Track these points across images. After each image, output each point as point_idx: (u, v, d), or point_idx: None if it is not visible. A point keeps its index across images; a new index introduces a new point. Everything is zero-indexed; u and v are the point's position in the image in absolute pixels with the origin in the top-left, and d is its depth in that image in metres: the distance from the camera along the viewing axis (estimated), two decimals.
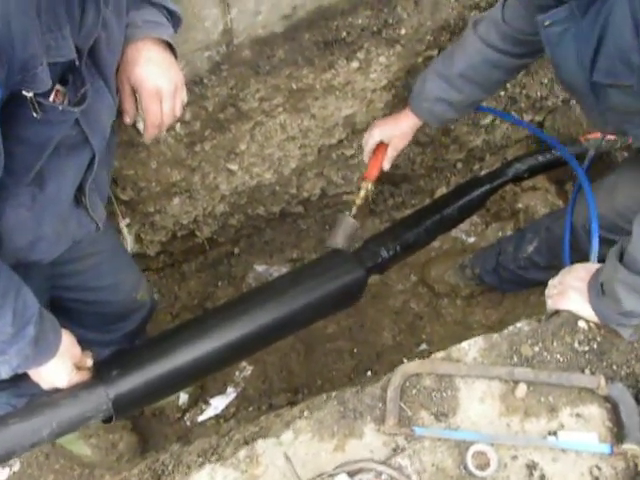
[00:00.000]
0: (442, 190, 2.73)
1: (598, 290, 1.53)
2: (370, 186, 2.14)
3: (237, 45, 1.84)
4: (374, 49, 2.06)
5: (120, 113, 1.48)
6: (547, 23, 1.47)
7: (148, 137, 1.52)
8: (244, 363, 2.43)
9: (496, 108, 2.50)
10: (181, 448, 1.74)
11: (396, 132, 2.04)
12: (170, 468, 1.55)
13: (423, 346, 2.47)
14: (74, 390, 1.49)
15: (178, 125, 1.94)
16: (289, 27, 1.89)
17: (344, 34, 1.97)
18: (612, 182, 1.91)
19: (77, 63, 1.16)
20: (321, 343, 2.50)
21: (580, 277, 1.60)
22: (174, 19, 1.48)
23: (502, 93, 2.49)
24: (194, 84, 1.87)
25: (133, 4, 1.39)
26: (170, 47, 1.46)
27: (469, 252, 2.61)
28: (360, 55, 2.06)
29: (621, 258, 1.48)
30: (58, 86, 1.15)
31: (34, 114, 1.10)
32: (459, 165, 2.73)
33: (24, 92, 1.06)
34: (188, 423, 2.33)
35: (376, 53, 2.08)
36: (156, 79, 1.42)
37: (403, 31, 2.05)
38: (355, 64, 2.07)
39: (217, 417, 2.34)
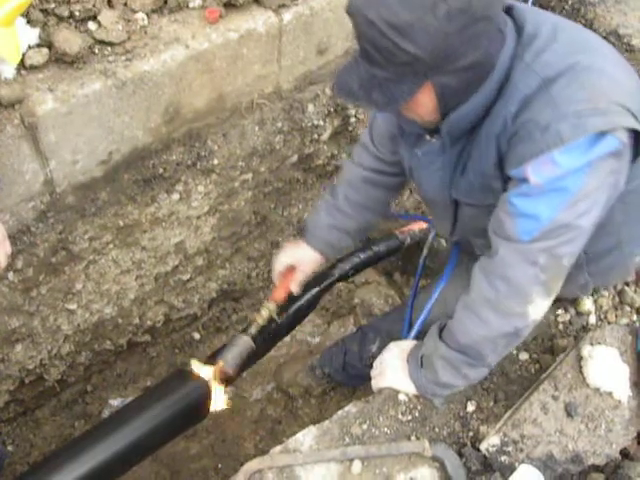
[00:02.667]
0: None
1: (417, 363, 1.71)
2: (272, 306, 2.13)
3: (60, 193, 1.97)
4: (192, 180, 2.27)
5: None
6: (420, 154, 1.64)
7: None
8: None
9: None
10: None
11: (303, 257, 2.08)
12: None
13: None
14: None
15: (11, 273, 2.01)
16: (108, 170, 2.04)
17: (161, 170, 2.16)
18: (447, 290, 2.02)
19: None
20: (185, 465, 2.53)
21: (395, 355, 1.80)
22: None
23: None
24: (22, 233, 1.96)
25: None
26: None
27: (316, 352, 2.78)
28: (179, 187, 2.26)
29: (440, 335, 1.67)
30: None
31: None
32: None
33: None
34: None
35: (194, 184, 2.28)
36: None
37: (216, 161, 2.28)
38: (176, 196, 2.26)
39: None
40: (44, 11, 1.87)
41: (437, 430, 1.73)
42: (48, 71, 1.86)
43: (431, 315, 1.96)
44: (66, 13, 1.89)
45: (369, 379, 2.50)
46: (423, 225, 2.64)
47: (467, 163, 1.56)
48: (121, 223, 2.17)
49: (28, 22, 1.84)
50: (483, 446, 1.67)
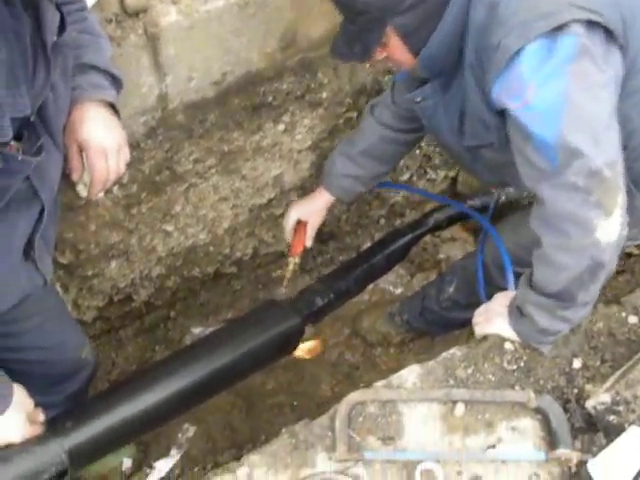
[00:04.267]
0: (367, 246, 2.87)
1: (516, 313, 1.68)
2: (297, 260, 2.30)
3: (172, 110, 1.96)
4: (298, 112, 2.23)
5: (65, 175, 1.56)
6: (418, 99, 1.72)
7: (93, 193, 1.59)
8: (186, 424, 2.43)
9: (413, 165, 2.71)
10: None
11: (311, 210, 2.24)
12: None
13: None
14: (28, 444, 1.49)
15: (116, 187, 2.01)
16: (220, 92, 2.01)
17: (270, 98, 2.13)
18: (516, 221, 2.10)
19: (31, 119, 1.25)
20: (262, 399, 2.54)
21: (501, 303, 1.75)
22: (116, 83, 1.58)
23: (417, 152, 2.70)
24: (132, 148, 1.95)
25: (80, 69, 1.48)
26: (113, 108, 1.56)
27: (397, 302, 2.74)
28: (286, 118, 2.22)
29: (530, 284, 1.63)
30: (12, 142, 1.22)
31: None
32: (382, 221, 2.89)
33: None
34: None
35: (300, 116, 2.25)
36: (101, 138, 1.51)
37: (324, 95, 2.23)
38: (281, 127, 2.23)
39: None
40: None
41: (542, 382, 1.67)
42: None
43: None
44: None
45: (445, 327, 2.51)
46: None
47: (464, 105, 1.61)
48: (225, 148, 2.15)
49: None
50: (590, 404, 1.61)
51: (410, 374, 1.66)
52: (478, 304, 1.88)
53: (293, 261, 2.29)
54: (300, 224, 2.25)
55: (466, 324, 2.02)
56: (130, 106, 1.87)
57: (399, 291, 2.86)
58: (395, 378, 1.65)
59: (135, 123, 1.92)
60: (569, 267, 1.49)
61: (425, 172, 2.81)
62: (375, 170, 2.17)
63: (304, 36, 2.06)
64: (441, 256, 2.91)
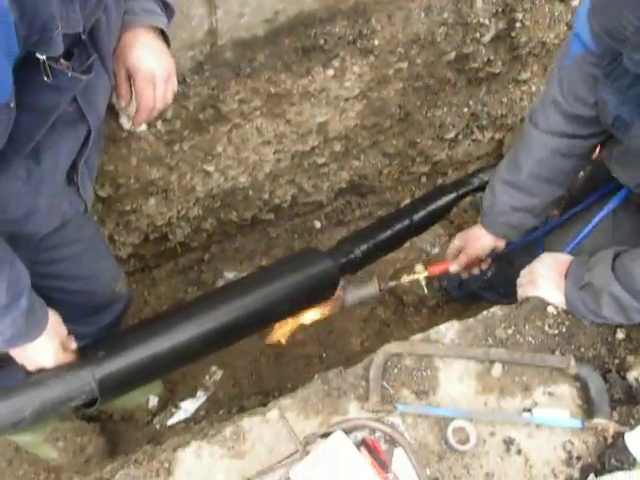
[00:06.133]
0: (406, 202, 2.82)
1: (578, 285, 1.57)
2: (422, 276, 2.09)
3: (220, 46, 1.91)
4: (349, 58, 2.16)
5: (109, 106, 1.52)
6: None
7: (138, 122, 1.56)
8: (214, 367, 2.44)
9: (460, 123, 2.63)
10: (153, 448, 1.73)
11: (477, 241, 1.95)
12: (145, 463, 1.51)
13: None
14: (59, 370, 1.49)
15: (159, 123, 1.98)
16: (271, 31, 1.96)
17: (322, 41, 2.06)
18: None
19: (83, 37, 1.21)
20: (290, 348, 2.52)
21: (549, 266, 1.69)
22: (168, 11, 1.54)
23: (465, 109, 2.62)
24: (178, 82, 1.91)
25: None
26: (164, 36, 1.52)
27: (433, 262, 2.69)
28: (336, 63, 2.15)
29: (613, 267, 1.51)
30: (62, 60, 1.19)
31: (45, 79, 1.13)
32: (423, 179, 2.83)
33: (38, 55, 1.09)
34: (158, 426, 2.31)
35: (351, 62, 2.17)
36: (151, 64, 1.48)
37: (377, 42, 2.16)
38: (331, 72, 2.16)
39: (187, 420, 2.33)
40: None
41: (582, 350, 1.63)
42: None
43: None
44: None
45: (481, 300, 2.44)
46: None
47: None
48: (272, 90, 2.10)
49: None
50: (632, 375, 1.57)
51: (449, 330, 1.62)
52: (515, 294, 1.76)
53: (419, 273, 2.08)
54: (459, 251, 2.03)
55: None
56: (178, 38, 1.82)
57: (436, 251, 2.82)
58: (433, 333, 1.62)
59: (183, 57, 1.87)
60: None
61: (472, 132, 2.73)
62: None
63: None
64: None
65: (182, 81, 1.92)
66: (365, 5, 2.07)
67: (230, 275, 2.60)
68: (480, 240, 1.94)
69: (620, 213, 1.83)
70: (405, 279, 2.11)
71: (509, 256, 2.12)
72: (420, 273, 2.10)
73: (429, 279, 2.15)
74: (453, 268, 2.05)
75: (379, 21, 2.13)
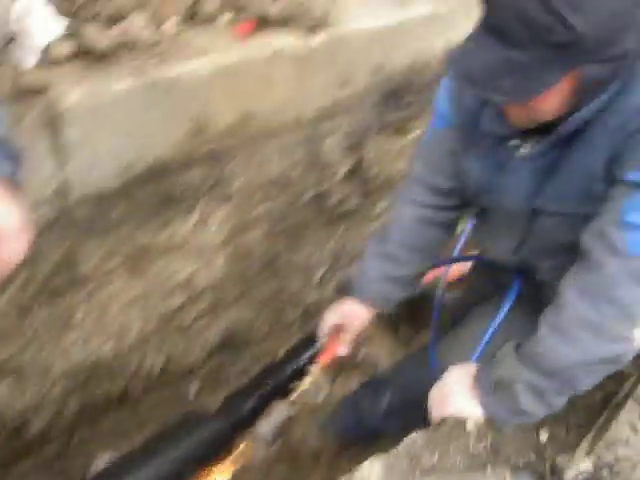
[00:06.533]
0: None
1: (490, 387, 1.49)
2: (318, 373, 1.93)
3: (72, 202, 1.77)
4: (210, 205, 2.11)
5: None
6: (521, 153, 1.41)
7: None
8: None
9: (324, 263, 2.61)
10: None
11: (353, 314, 1.83)
12: None
13: None
14: None
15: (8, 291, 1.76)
16: (124, 183, 1.87)
17: (179, 191, 2.00)
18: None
19: None
20: None
21: (458, 380, 1.59)
22: (18, 158, 1.40)
23: (327, 249, 2.61)
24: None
25: None
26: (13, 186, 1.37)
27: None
28: (196, 212, 2.10)
29: (520, 359, 1.45)
30: None
31: None
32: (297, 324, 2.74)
33: None
34: None
35: (212, 209, 2.13)
36: None
37: (236, 186, 2.13)
38: (192, 221, 2.10)
39: None
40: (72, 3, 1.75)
41: (512, 460, 1.53)
42: (73, 65, 1.71)
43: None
44: (96, 10, 1.77)
45: (383, 433, 2.29)
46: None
47: (563, 165, 1.37)
48: (131, 247, 1.97)
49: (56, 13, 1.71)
50: (569, 475, 1.48)
51: (372, 471, 1.46)
52: (419, 418, 1.63)
53: (314, 373, 1.91)
54: (336, 329, 1.86)
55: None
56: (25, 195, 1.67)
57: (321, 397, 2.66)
58: (357, 476, 1.44)
59: (30, 216, 1.71)
60: (588, 350, 1.34)
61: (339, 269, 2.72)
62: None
63: (212, 125, 1.99)
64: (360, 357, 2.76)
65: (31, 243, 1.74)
66: (219, 151, 2.06)
67: (105, 456, 2.27)
68: (356, 313, 1.82)
69: (513, 312, 1.83)
70: (304, 385, 1.92)
71: (402, 380, 2.03)
72: (314, 372, 1.92)
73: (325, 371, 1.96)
74: (342, 351, 1.89)
75: (237, 165, 2.12)
